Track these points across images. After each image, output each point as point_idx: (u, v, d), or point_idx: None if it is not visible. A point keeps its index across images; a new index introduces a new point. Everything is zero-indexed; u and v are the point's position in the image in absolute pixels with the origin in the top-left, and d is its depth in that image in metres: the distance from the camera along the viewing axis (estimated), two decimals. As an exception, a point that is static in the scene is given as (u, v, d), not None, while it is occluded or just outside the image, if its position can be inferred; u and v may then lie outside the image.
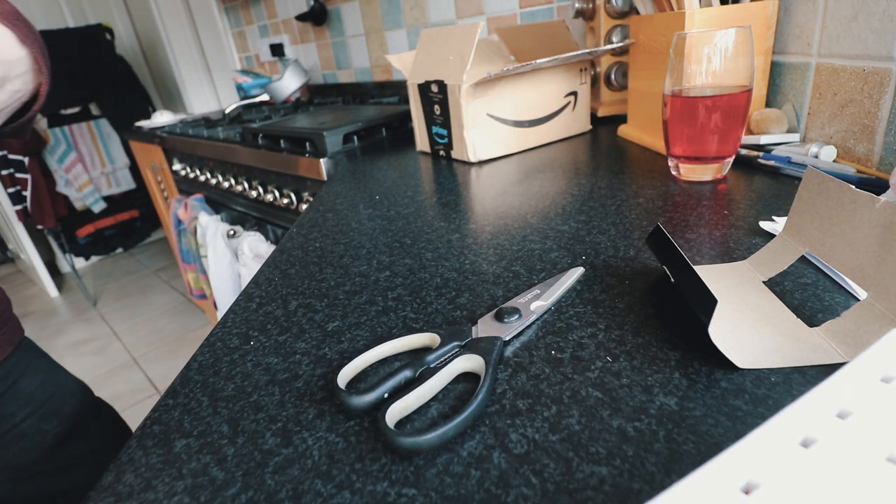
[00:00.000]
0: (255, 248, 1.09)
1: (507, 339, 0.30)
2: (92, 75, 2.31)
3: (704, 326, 0.26)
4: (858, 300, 0.29)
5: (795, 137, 0.59)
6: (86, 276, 2.68)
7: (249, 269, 1.11)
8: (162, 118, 1.59)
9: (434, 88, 0.71)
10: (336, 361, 0.31)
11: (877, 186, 0.43)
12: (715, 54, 0.48)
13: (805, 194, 0.32)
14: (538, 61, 0.65)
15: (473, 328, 0.31)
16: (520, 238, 0.45)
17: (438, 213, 0.53)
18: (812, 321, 0.29)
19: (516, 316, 0.31)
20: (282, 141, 0.99)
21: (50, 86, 0.42)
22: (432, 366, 0.28)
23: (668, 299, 0.32)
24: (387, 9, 1.36)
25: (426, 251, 0.44)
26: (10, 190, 2.23)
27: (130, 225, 2.78)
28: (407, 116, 1.00)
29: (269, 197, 1.04)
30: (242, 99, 1.61)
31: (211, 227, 1.19)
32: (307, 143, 0.94)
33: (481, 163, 0.71)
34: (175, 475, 0.24)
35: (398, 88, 1.40)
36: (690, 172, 0.53)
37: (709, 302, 0.25)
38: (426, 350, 0.30)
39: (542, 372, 0.27)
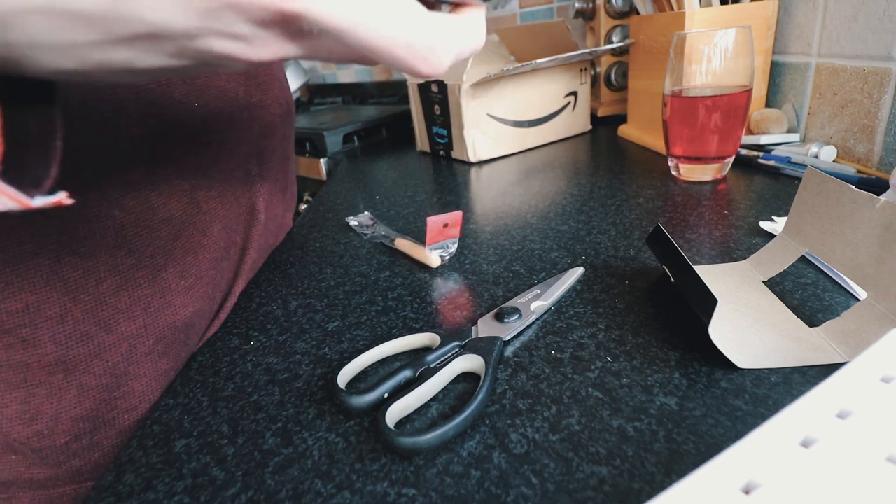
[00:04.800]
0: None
1: (507, 339, 0.30)
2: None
3: (704, 326, 0.26)
4: (858, 300, 0.29)
5: (795, 137, 0.59)
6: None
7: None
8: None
9: (434, 88, 0.71)
10: (336, 361, 0.31)
11: (877, 186, 0.43)
12: (715, 54, 0.48)
13: (805, 194, 0.32)
14: (538, 61, 0.65)
15: (473, 328, 0.31)
16: (520, 238, 0.45)
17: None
18: (812, 321, 0.29)
19: (516, 316, 0.31)
20: (282, 141, 0.99)
21: None
22: (432, 366, 0.28)
23: (668, 299, 0.32)
24: (387, 9, 1.35)
25: (426, 251, 0.44)
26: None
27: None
28: (407, 116, 1.00)
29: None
30: (242, 99, 1.61)
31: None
32: (307, 143, 0.94)
33: (481, 163, 0.71)
34: (175, 475, 0.24)
35: (398, 88, 1.40)
36: (690, 172, 0.53)
37: (709, 302, 0.25)
38: (426, 350, 0.30)
39: (542, 372, 0.27)
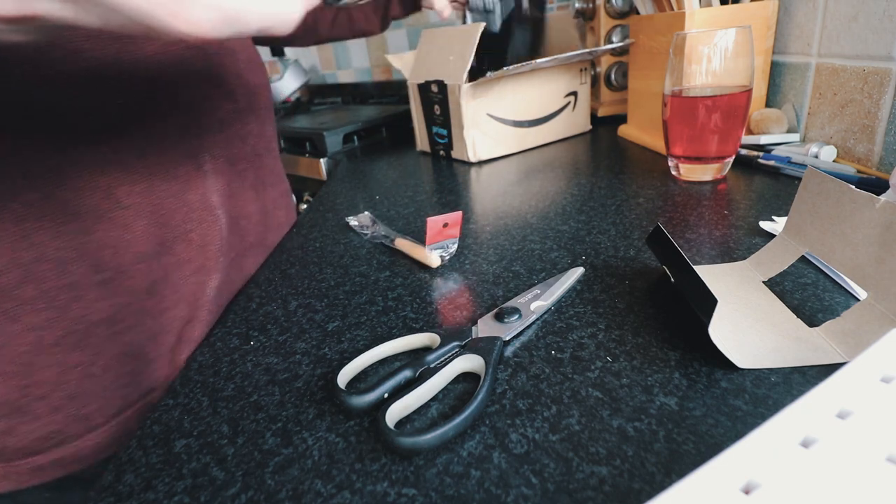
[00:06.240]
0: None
1: (507, 339, 0.30)
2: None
3: (704, 326, 0.26)
4: (858, 300, 0.29)
5: (795, 137, 0.59)
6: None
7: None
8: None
9: (434, 88, 0.71)
10: (336, 361, 0.31)
11: (877, 186, 0.43)
12: (715, 54, 0.48)
13: (805, 194, 0.32)
14: (537, 61, 0.65)
15: (473, 328, 0.31)
16: (520, 238, 0.45)
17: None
18: (812, 321, 0.29)
19: (516, 316, 0.31)
20: (282, 141, 0.99)
21: None
22: (432, 366, 0.28)
23: (668, 299, 0.32)
24: (387, 9, 1.35)
25: (426, 251, 0.44)
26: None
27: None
28: (407, 116, 1.00)
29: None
30: (242, 99, 1.60)
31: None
32: (307, 143, 0.94)
33: (481, 163, 0.71)
34: (175, 475, 0.24)
35: (398, 88, 1.40)
36: (690, 172, 0.53)
37: (709, 302, 0.25)
38: (426, 350, 0.30)
39: (542, 372, 0.27)
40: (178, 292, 0.39)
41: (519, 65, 0.64)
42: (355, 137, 0.94)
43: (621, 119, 0.81)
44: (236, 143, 0.44)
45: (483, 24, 0.66)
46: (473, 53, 0.66)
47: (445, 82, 0.69)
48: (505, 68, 0.64)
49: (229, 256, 0.43)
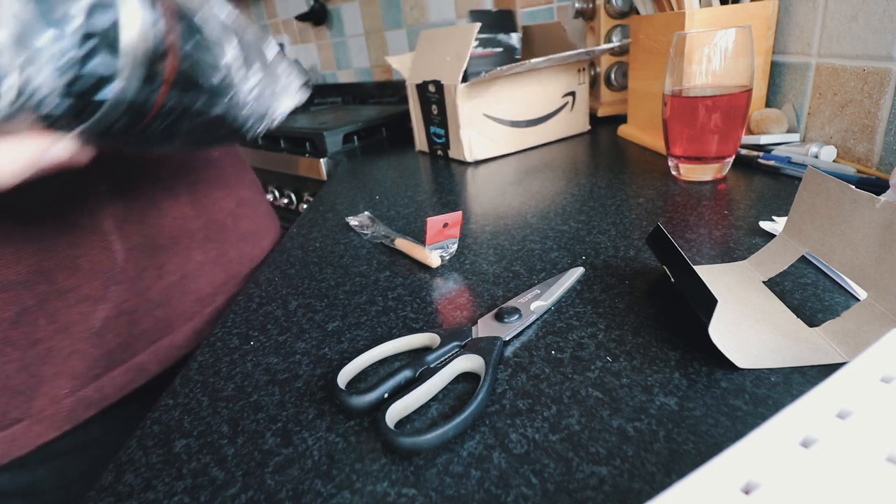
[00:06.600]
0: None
1: (507, 339, 0.30)
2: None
3: (704, 326, 0.26)
4: (858, 300, 0.29)
5: (795, 137, 0.59)
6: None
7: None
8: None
9: (431, 88, 0.71)
10: (336, 361, 0.31)
11: (877, 186, 0.43)
12: (715, 54, 0.48)
13: (805, 194, 0.32)
14: (533, 61, 0.65)
15: (473, 328, 0.31)
16: (520, 238, 0.45)
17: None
18: (812, 321, 0.29)
19: (516, 316, 0.31)
20: (282, 141, 0.99)
21: None
22: (432, 366, 0.28)
23: (668, 299, 0.32)
24: (387, 9, 1.36)
25: (426, 251, 0.44)
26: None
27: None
28: (407, 116, 1.00)
29: (269, 197, 1.04)
30: (242, 99, 1.60)
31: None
32: (307, 143, 0.94)
33: (479, 162, 0.71)
34: (175, 475, 0.24)
35: (398, 88, 1.40)
36: (690, 172, 0.53)
37: (709, 302, 0.25)
38: (426, 350, 0.30)
39: (542, 372, 0.27)
40: (55, 322, 0.36)
41: (514, 65, 0.64)
42: (355, 137, 0.94)
43: (621, 119, 0.81)
44: (154, 159, 0.40)
45: (479, 25, 0.66)
46: (469, 53, 0.65)
47: (442, 82, 0.69)
48: (499, 68, 0.64)
49: (138, 284, 0.40)
